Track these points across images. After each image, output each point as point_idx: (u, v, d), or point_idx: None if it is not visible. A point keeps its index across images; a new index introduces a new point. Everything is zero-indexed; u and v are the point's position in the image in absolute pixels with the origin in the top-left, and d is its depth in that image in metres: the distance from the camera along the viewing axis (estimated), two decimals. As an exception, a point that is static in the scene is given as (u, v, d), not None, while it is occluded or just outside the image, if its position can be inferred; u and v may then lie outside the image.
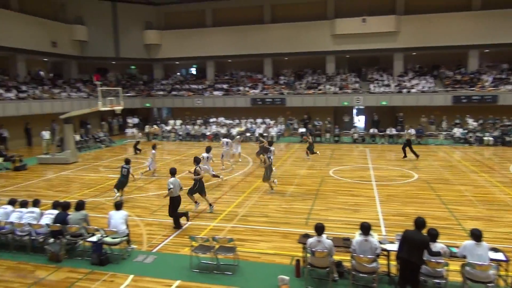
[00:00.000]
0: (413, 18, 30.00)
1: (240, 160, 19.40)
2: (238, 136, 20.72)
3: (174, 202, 9.90)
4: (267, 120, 29.60)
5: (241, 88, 33.32)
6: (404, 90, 28.80)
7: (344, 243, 7.39)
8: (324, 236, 7.04)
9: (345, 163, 18.37)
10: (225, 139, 18.38)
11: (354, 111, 31.89)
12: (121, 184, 12.64)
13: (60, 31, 31.49)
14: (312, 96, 29.96)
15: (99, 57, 34.36)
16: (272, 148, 15.09)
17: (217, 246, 7.83)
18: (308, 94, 30.26)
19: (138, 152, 22.40)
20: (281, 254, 8.35)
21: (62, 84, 31.30)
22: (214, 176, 14.36)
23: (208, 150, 14.28)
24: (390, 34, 30.20)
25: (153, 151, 16.01)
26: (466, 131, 25.21)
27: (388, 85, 29.66)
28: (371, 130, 26.12)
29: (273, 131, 26.87)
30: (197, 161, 11.39)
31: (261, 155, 16.17)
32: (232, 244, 7.72)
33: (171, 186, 9.76)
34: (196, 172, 11.07)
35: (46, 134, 23.87)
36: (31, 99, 25.97)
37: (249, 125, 28.85)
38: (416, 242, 6.25)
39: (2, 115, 23.73)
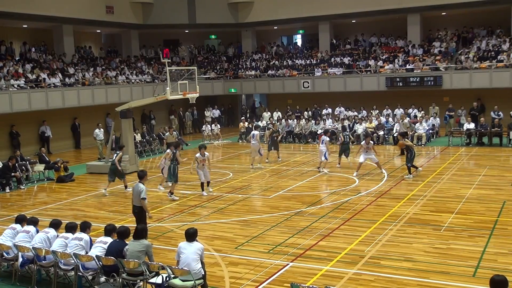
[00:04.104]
0: None
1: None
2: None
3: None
4: (413, 111, 28.62)
5: (371, 62, 32.80)
6: None
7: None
8: (506, 297, 6.60)
9: (544, 179, 17.16)
10: (255, 131, 21.10)
11: None
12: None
13: (117, -9, 34.32)
14: (488, 72, 28.75)
15: (168, 24, 36.63)
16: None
17: (332, 302, 7.77)
18: (481, 68, 29.04)
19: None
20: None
21: (119, 63, 34.10)
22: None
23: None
24: None
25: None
26: None
27: None
28: None
29: (421, 128, 25.90)
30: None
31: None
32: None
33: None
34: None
35: (100, 133, 26.06)
36: (80, 86, 28.73)
37: (383, 119, 28.19)
38: None
39: (45, 107, 26.67)
